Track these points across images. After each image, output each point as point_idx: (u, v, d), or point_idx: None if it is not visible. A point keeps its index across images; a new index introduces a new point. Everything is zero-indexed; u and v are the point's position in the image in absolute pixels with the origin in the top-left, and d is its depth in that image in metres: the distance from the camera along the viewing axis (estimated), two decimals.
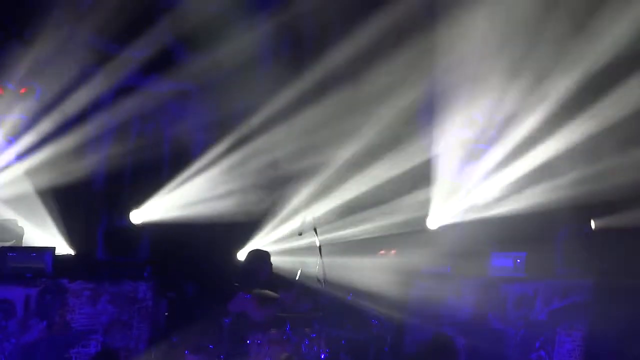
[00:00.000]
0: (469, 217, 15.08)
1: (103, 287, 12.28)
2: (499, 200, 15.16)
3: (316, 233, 12.43)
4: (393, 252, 14.55)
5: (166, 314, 13.11)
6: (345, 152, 14.90)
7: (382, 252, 14.68)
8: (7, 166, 13.43)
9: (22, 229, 13.47)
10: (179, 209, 14.25)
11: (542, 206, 15.06)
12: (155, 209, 14.11)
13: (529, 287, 14.50)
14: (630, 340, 14.04)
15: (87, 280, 12.20)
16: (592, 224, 15.09)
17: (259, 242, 14.70)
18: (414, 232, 15.12)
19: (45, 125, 13.32)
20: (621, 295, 14.36)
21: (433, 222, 15.45)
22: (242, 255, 14.39)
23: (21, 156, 13.43)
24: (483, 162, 15.62)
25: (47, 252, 12.26)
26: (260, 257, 13.48)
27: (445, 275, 14.06)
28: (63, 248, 13.35)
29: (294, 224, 14.25)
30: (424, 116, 15.34)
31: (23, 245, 13.19)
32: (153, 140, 14.49)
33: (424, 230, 15.37)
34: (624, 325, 14.21)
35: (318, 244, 12.31)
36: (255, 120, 14.50)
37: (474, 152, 15.61)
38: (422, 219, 15.49)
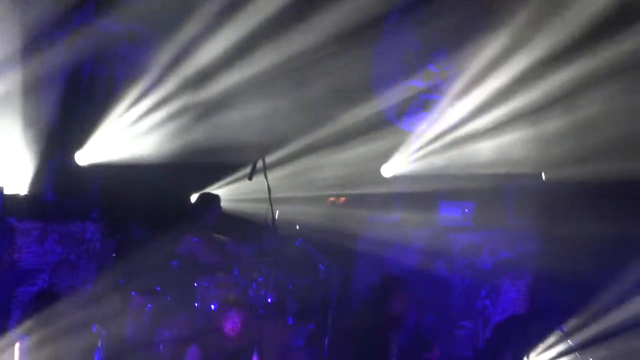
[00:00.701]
0: (421, 167, 15.10)
1: (51, 227, 12.23)
2: (452, 151, 15.20)
3: (266, 177, 12.42)
4: (342, 199, 14.58)
5: (114, 255, 13.10)
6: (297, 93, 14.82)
7: (332, 199, 14.71)
8: None
9: None
10: (129, 150, 14.15)
11: (494, 158, 15.15)
12: (105, 150, 14.00)
13: (477, 237, 14.64)
14: (574, 291, 14.25)
15: (35, 220, 12.14)
16: (543, 176, 15.18)
17: (210, 184, 14.65)
18: (367, 179, 15.12)
19: None
20: (567, 247, 14.54)
21: (387, 171, 15.42)
22: (193, 198, 14.36)
23: None
24: (436, 113, 15.67)
25: None
26: (209, 201, 13.50)
27: (394, 223, 14.14)
28: (12, 187, 13.25)
29: (245, 167, 14.19)
30: (377, 66, 15.31)
31: None
32: (105, 81, 14.35)
33: (376, 178, 15.39)
34: (569, 276, 14.42)
35: (268, 188, 12.31)
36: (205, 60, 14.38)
37: (427, 102, 15.63)
38: (376, 167, 15.51)
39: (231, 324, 11.08)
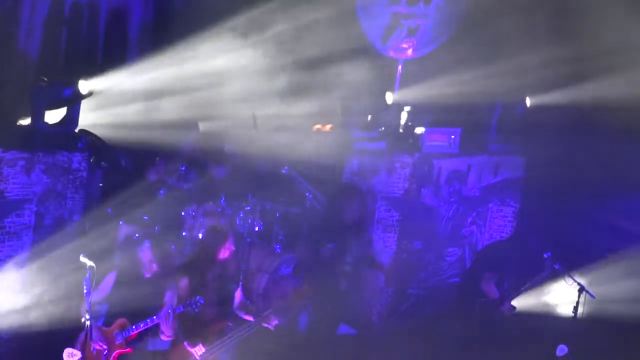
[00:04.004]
0: (406, 93, 15.02)
1: (37, 157, 12.18)
2: (436, 77, 15.12)
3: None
4: (329, 127, 14.52)
5: (101, 185, 13.09)
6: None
7: (318, 126, 14.65)
8: None
9: None
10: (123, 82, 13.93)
11: (478, 84, 15.09)
12: (97, 83, 13.79)
13: (463, 163, 14.68)
14: (560, 216, 14.37)
15: (21, 150, 12.08)
16: (527, 101, 15.17)
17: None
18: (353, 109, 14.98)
19: None
20: (552, 172, 14.61)
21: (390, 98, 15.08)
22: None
23: None
24: (420, 38, 15.58)
25: None
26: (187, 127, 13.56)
27: (380, 151, 14.12)
28: None
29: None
30: None
31: None
32: (88, 14, 14.18)
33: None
34: (554, 201, 14.53)
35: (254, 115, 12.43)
36: None
37: (411, 27, 15.52)
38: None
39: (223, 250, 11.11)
